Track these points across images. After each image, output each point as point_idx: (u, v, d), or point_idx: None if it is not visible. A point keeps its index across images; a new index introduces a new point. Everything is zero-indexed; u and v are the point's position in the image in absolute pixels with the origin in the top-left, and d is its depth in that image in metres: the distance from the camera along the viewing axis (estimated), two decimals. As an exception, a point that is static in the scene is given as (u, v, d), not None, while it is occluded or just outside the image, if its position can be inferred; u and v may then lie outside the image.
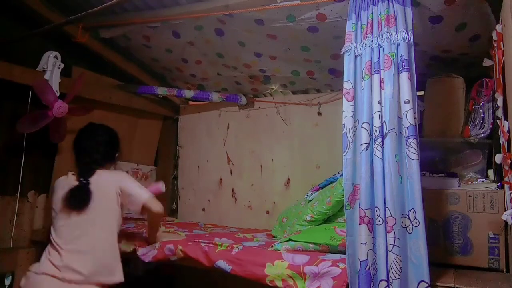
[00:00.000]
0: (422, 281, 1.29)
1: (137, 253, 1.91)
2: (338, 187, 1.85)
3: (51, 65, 2.21)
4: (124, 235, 1.96)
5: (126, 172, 2.65)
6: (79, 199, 1.68)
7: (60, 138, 2.32)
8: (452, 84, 1.94)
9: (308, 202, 2.11)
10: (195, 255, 1.74)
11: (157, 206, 1.78)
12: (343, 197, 1.71)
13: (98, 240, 1.69)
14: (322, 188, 2.15)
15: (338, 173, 2.08)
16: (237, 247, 1.70)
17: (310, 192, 2.19)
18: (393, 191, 1.35)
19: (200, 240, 1.83)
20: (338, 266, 1.43)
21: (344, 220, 1.50)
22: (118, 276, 1.71)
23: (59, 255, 1.62)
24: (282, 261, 1.53)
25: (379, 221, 1.35)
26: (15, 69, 2.10)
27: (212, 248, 1.72)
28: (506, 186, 1.45)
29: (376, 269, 1.34)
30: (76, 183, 1.71)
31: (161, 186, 2.06)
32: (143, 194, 1.79)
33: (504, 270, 1.52)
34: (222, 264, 1.64)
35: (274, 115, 2.71)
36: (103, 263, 1.67)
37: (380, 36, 1.46)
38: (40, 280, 1.60)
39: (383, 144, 1.38)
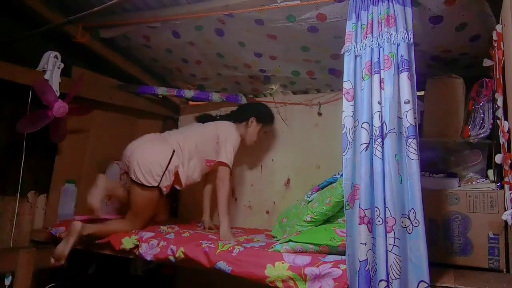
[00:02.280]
0: (422, 281, 1.28)
1: (139, 251, 1.91)
2: (338, 188, 1.85)
3: (51, 65, 2.21)
4: None
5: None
6: None
7: (60, 138, 2.32)
8: (452, 84, 1.94)
9: (308, 203, 2.11)
10: (195, 256, 1.73)
11: None
12: (343, 198, 1.71)
13: None
14: (322, 188, 2.14)
15: (338, 173, 2.08)
16: (238, 248, 1.70)
17: (310, 193, 2.18)
18: (393, 191, 1.35)
19: (202, 241, 1.82)
20: (339, 268, 1.43)
21: (344, 220, 1.50)
22: None
23: None
24: (283, 263, 1.53)
25: (379, 221, 1.35)
26: (15, 69, 2.10)
27: (213, 249, 1.72)
28: (506, 186, 1.45)
29: (376, 269, 1.34)
30: None
31: None
32: None
33: (504, 270, 1.51)
34: (222, 265, 1.64)
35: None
36: None
37: (380, 36, 1.46)
38: None
39: (383, 144, 1.38)
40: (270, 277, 1.51)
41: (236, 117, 2.49)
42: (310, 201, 2.11)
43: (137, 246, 1.93)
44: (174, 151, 2.19)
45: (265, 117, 2.52)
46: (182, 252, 1.77)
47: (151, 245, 1.90)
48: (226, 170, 2.22)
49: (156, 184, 2.11)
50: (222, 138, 2.30)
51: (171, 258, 1.81)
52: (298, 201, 2.31)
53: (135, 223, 2.14)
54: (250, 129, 2.44)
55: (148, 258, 1.87)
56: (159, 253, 1.85)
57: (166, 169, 2.13)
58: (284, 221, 2.23)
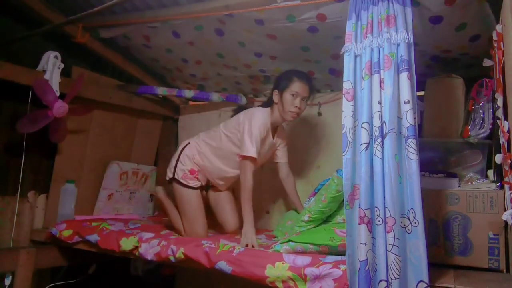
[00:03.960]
0: (421, 281, 1.28)
1: (138, 251, 1.91)
2: (332, 184, 1.86)
3: (51, 65, 2.21)
4: None
5: (126, 172, 2.68)
6: None
7: (60, 138, 2.32)
8: (452, 84, 1.94)
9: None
10: (195, 256, 1.73)
11: None
12: (338, 193, 1.71)
13: None
14: (317, 192, 2.14)
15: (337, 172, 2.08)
16: (238, 248, 1.70)
17: (308, 200, 2.18)
18: (393, 191, 1.35)
19: (202, 241, 1.82)
20: (339, 268, 1.42)
21: (344, 220, 1.50)
22: None
23: None
24: (283, 263, 1.52)
25: (379, 221, 1.35)
26: (15, 69, 2.10)
27: (213, 249, 1.72)
28: (506, 186, 1.45)
29: (376, 269, 1.34)
30: None
31: None
32: None
33: (504, 270, 1.51)
34: (222, 265, 1.63)
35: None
36: None
37: (380, 36, 1.45)
38: None
39: (382, 144, 1.38)
40: (270, 278, 1.51)
41: (267, 102, 2.25)
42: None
43: (136, 247, 1.93)
44: (189, 143, 2.25)
45: (281, 80, 2.13)
46: (182, 252, 1.77)
47: (152, 244, 1.89)
48: (245, 163, 2.02)
49: (171, 175, 2.20)
50: (242, 128, 2.07)
51: (171, 258, 1.81)
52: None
53: (185, 224, 2.14)
54: (279, 104, 2.12)
55: (149, 257, 1.86)
56: (159, 252, 1.84)
57: (177, 160, 2.21)
58: (289, 223, 2.21)
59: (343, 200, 1.49)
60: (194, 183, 2.17)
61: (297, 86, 2.08)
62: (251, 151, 1.99)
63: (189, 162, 2.19)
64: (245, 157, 2.01)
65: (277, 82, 2.17)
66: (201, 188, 2.23)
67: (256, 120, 2.05)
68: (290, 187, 2.33)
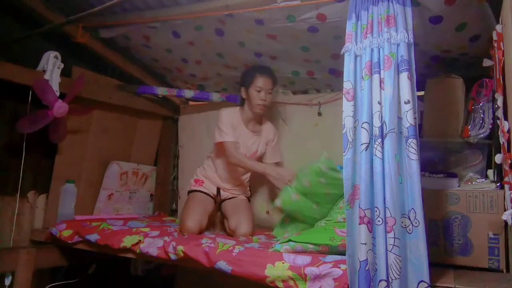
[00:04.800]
0: (422, 281, 1.29)
1: (141, 246, 1.90)
2: (313, 162, 1.97)
3: (51, 65, 2.21)
4: None
5: (126, 172, 2.68)
6: None
7: (60, 138, 2.32)
8: (452, 84, 1.94)
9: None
10: (195, 255, 1.73)
11: None
12: (318, 167, 1.87)
13: None
14: None
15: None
16: (238, 247, 1.70)
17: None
18: (393, 191, 1.35)
19: (202, 240, 1.82)
20: (339, 268, 1.42)
21: (344, 219, 1.49)
22: None
23: None
24: (283, 263, 1.52)
25: (379, 221, 1.35)
26: (15, 69, 2.10)
27: (213, 249, 1.71)
28: (506, 186, 1.45)
29: (376, 269, 1.34)
30: None
31: None
32: None
33: (504, 270, 1.52)
34: (222, 265, 1.63)
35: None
36: None
37: (380, 37, 1.45)
38: None
39: (382, 144, 1.38)
40: (270, 277, 1.51)
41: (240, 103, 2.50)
42: None
43: (138, 243, 1.92)
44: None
45: (246, 78, 2.38)
46: (182, 251, 1.76)
47: (154, 240, 1.90)
48: (224, 146, 2.31)
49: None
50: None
51: (171, 255, 1.80)
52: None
53: (181, 218, 2.38)
54: (247, 100, 2.38)
55: (151, 252, 1.85)
56: (163, 246, 1.84)
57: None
58: (287, 221, 2.22)
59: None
60: (196, 187, 2.45)
61: (260, 81, 2.32)
62: (218, 138, 2.32)
63: (195, 176, 2.53)
64: (219, 143, 2.33)
65: (243, 79, 2.40)
66: (209, 195, 2.43)
67: (220, 117, 2.35)
68: None
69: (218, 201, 2.46)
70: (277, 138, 2.53)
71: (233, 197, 2.47)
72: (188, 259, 1.75)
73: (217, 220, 2.49)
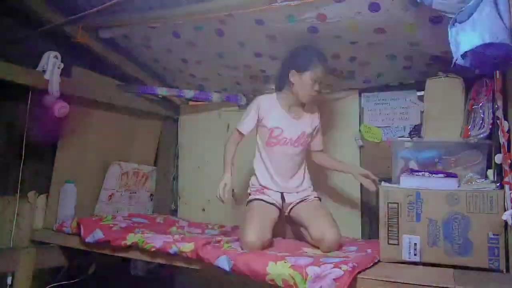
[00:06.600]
0: None
1: (146, 236, 1.91)
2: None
3: (51, 65, 2.20)
4: None
5: (127, 173, 2.68)
6: None
7: (60, 138, 2.32)
8: (452, 84, 1.94)
9: None
10: (195, 254, 1.73)
11: None
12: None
13: None
14: None
15: None
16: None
17: None
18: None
19: (211, 240, 1.82)
20: (340, 268, 1.42)
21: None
22: None
23: None
24: (285, 261, 1.52)
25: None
26: (15, 69, 2.10)
27: (214, 246, 1.72)
28: (506, 186, 1.45)
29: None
30: None
31: None
32: None
33: (504, 270, 1.51)
34: (222, 262, 1.63)
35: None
36: None
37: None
38: None
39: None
40: (270, 274, 1.50)
41: (277, 85, 2.21)
42: None
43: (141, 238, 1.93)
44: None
45: (300, 61, 2.03)
46: (184, 247, 1.76)
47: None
48: (233, 131, 2.20)
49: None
50: None
51: (174, 247, 1.79)
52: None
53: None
54: (296, 85, 2.05)
55: (155, 244, 1.85)
56: (168, 240, 1.85)
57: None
58: None
59: None
60: (256, 196, 2.13)
61: (319, 71, 2.00)
62: (238, 125, 2.16)
63: (250, 185, 2.25)
64: (234, 129, 2.19)
65: (294, 60, 2.05)
66: (272, 204, 2.09)
67: (251, 105, 2.18)
68: (329, 163, 2.27)
69: (284, 209, 2.13)
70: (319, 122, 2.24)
71: (301, 201, 2.12)
72: (188, 255, 1.74)
73: (287, 230, 2.23)
